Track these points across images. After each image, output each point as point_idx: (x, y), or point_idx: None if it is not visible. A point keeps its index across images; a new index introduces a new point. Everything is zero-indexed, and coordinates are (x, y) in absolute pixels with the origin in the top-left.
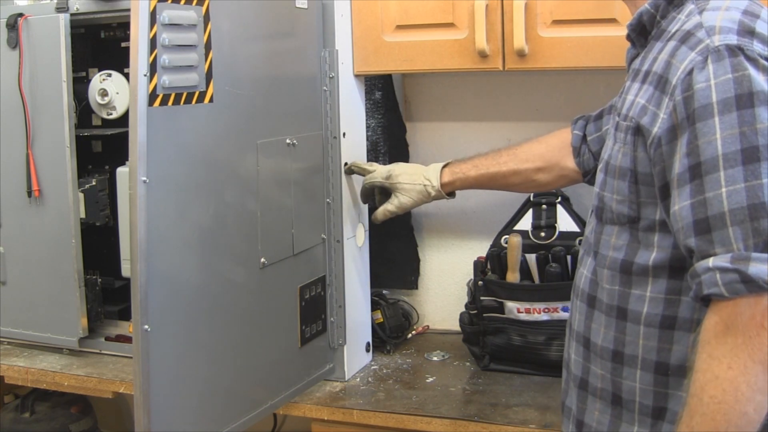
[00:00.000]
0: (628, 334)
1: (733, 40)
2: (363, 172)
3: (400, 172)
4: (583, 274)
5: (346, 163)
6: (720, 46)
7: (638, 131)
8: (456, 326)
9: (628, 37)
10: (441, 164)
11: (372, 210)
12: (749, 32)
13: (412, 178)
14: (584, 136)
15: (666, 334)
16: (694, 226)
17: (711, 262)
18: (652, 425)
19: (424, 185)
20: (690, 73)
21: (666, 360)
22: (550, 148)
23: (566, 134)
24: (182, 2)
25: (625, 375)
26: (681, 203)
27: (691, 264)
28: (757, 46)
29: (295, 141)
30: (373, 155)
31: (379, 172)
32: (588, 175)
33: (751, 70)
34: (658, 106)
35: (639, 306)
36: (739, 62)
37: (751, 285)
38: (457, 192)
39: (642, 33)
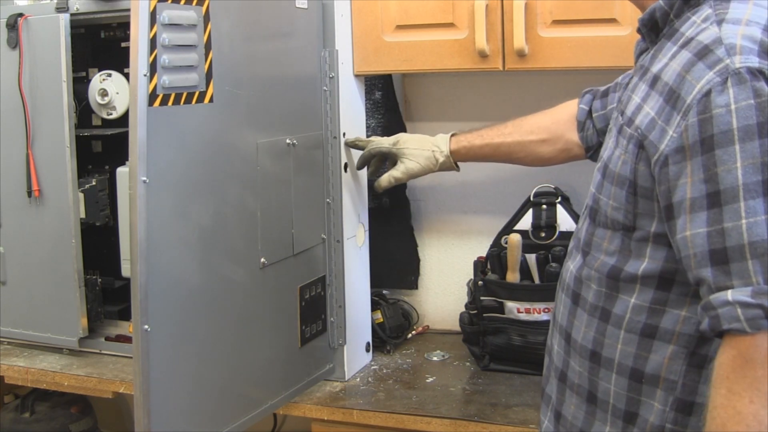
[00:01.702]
0: (607, 337)
1: (754, 62)
2: (365, 144)
3: (408, 139)
4: (570, 269)
5: (345, 164)
6: (741, 68)
7: (642, 146)
8: (456, 326)
9: (639, 31)
10: (449, 134)
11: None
12: None
13: (420, 144)
14: (590, 111)
15: (645, 342)
16: (709, 255)
17: (730, 295)
18: (623, 428)
19: (433, 151)
20: (707, 94)
21: (641, 368)
22: (555, 121)
23: (573, 107)
24: (182, 2)
25: (601, 376)
26: (695, 230)
27: (697, 291)
28: None
29: (295, 141)
30: None
31: (385, 139)
32: (590, 151)
33: None
34: (667, 123)
35: (622, 311)
36: (761, 87)
37: None
38: (457, 191)
39: (653, 29)
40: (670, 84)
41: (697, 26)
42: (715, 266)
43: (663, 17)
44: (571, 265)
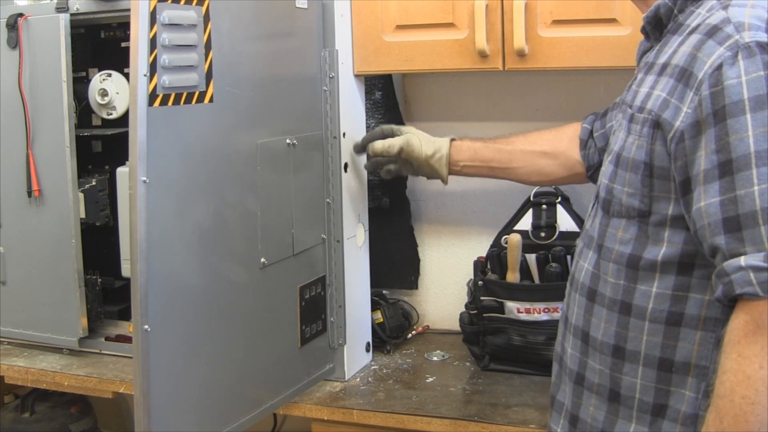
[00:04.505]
0: (630, 330)
1: (763, 37)
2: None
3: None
4: (584, 267)
5: (345, 164)
6: (751, 42)
7: (658, 125)
8: (456, 326)
9: (643, 30)
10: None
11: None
12: None
13: (427, 136)
14: (592, 131)
15: (671, 331)
16: (723, 223)
17: (743, 261)
18: (651, 423)
19: (435, 139)
20: (719, 68)
21: (670, 357)
22: (560, 136)
23: (577, 127)
24: (182, 2)
25: (626, 371)
26: (708, 200)
27: (713, 262)
28: None
29: (295, 141)
30: None
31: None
32: (591, 171)
33: None
34: (681, 100)
35: (644, 302)
36: None
37: None
38: (457, 191)
39: (657, 26)
40: (681, 64)
41: (703, 16)
42: (728, 233)
43: (667, 13)
44: (584, 263)
